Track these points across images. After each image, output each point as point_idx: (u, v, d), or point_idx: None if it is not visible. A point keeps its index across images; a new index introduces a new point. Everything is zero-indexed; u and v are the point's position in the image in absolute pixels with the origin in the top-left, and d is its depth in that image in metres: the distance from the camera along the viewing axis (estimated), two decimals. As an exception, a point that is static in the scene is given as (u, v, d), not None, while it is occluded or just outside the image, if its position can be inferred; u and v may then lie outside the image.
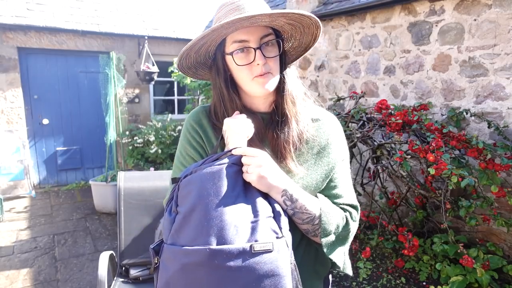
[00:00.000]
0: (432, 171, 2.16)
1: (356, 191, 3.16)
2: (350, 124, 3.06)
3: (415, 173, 3.07)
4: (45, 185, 5.44)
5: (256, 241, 0.70)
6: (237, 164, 0.80)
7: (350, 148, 3.14)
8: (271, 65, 0.89)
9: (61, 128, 5.46)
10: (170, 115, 5.91)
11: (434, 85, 3.13)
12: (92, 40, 5.43)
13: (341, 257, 0.92)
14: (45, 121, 5.29)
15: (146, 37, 5.54)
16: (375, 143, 2.82)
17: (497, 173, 2.27)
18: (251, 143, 0.89)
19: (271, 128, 0.93)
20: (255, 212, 0.75)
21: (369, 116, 2.99)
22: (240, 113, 0.92)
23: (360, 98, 3.53)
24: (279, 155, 0.90)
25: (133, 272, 2.04)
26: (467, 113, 2.81)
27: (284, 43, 0.95)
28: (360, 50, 3.79)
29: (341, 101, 3.73)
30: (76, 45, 5.30)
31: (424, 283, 2.66)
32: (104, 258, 1.92)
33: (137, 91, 5.97)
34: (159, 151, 5.17)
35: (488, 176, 2.26)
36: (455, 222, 3.02)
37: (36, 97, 5.21)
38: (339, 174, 0.96)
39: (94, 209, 4.46)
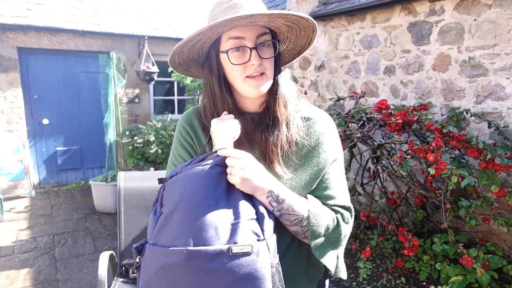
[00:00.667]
0: (432, 171, 2.16)
1: (356, 191, 3.16)
2: (350, 124, 3.06)
3: (415, 173, 3.07)
4: (45, 185, 5.44)
5: (235, 243, 0.69)
6: (221, 165, 0.79)
7: (350, 148, 3.14)
8: (267, 66, 0.89)
9: (61, 128, 5.46)
10: (170, 115, 5.90)
11: (434, 85, 3.13)
12: (92, 40, 5.43)
13: (332, 261, 0.89)
14: (45, 121, 5.29)
15: (146, 37, 5.54)
16: (375, 143, 2.82)
17: (497, 173, 2.27)
18: (239, 144, 0.88)
19: (260, 129, 0.92)
20: (236, 214, 0.74)
21: (369, 116, 2.99)
22: (230, 113, 0.92)
23: (360, 98, 3.54)
24: (267, 158, 0.89)
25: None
26: (467, 113, 2.82)
27: (279, 44, 0.94)
28: (360, 50, 3.79)
29: (341, 101, 3.73)
30: (76, 45, 5.30)
31: (424, 283, 2.66)
32: (104, 258, 1.92)
33: (137, 91, 5.97)
34: (159, 151, 5.17)
35: (488, 176, 2.26)
36: (455, 222, 3.02)
37: (36, 97, 5.21)
38: (331, 175, 0.93)
39: (94, 209, 4.46)
